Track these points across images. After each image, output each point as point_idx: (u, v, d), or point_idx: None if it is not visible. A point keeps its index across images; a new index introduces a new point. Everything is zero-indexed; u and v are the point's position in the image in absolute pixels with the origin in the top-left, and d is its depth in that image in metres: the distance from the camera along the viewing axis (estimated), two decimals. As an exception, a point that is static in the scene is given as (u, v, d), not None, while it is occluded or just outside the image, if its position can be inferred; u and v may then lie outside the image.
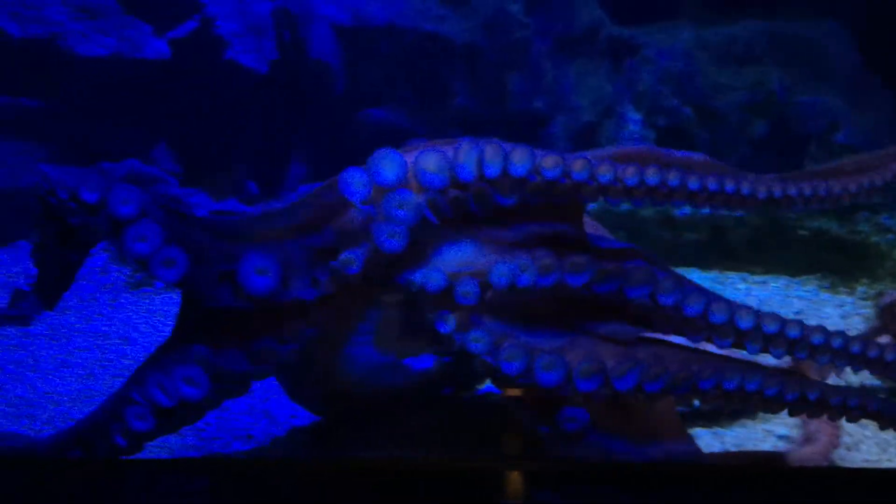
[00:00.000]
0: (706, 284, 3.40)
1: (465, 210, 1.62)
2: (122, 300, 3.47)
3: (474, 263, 1.61)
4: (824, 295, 3.22)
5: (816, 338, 1.70)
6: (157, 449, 2.27)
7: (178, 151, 4.39)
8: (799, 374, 1.78)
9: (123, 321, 3.22)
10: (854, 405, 1.72)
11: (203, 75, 4.29)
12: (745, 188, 1.85)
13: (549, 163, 1.60)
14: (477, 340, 1.58)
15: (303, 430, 2.39)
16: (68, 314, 3.25)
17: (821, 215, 4.18)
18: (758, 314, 1.67)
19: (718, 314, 1.65)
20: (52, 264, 1.79)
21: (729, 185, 1.82)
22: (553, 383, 1.54)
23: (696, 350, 1.72)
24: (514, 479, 1.57)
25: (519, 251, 1.63)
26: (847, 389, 1.81)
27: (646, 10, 5.27)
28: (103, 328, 3.18)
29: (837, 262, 3.49)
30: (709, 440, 2.16)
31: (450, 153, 1.60)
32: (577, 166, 1.61)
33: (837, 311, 3.05)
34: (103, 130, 4.09)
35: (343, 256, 1.58)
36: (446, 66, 4.88)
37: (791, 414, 1.72)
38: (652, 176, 1.66)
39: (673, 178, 1.70)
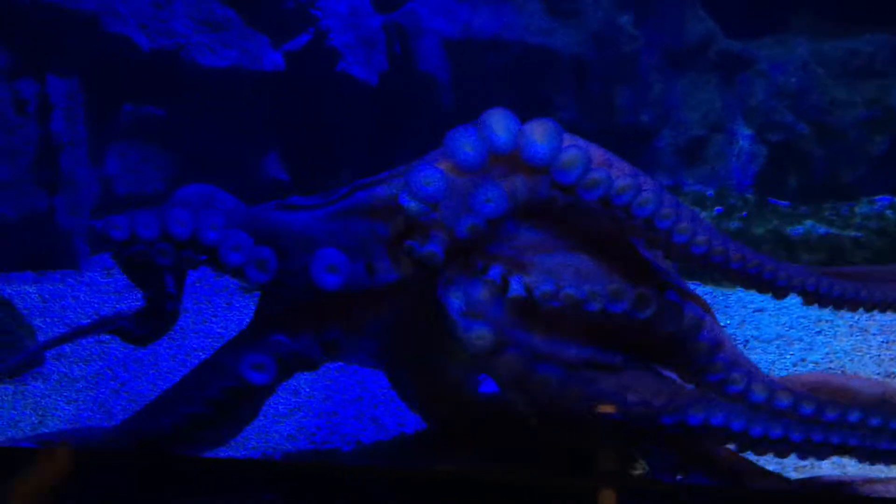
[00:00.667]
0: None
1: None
2: (236, 303, 3.59)
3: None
4: (951, 322, 3.06)
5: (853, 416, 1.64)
6: (271, 452, 2.35)
7: (288, 160, 4.52)
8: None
9: (237, 323, 3.33)
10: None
11: (316, 86, 4.40)
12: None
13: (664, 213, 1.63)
14: None
15: (410, 437, 2.42)
16: (186, 315, 3.39)
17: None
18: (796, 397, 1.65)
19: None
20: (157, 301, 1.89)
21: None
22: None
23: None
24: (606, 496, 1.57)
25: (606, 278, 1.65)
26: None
27: (759, 23, 5.13)
28: (218, 330, 3.30)
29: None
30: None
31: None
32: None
33: (967, 340, 2.90)
34: (221, 139, 4.24)
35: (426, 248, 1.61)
36: (553, 78, 4.87)
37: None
38: None
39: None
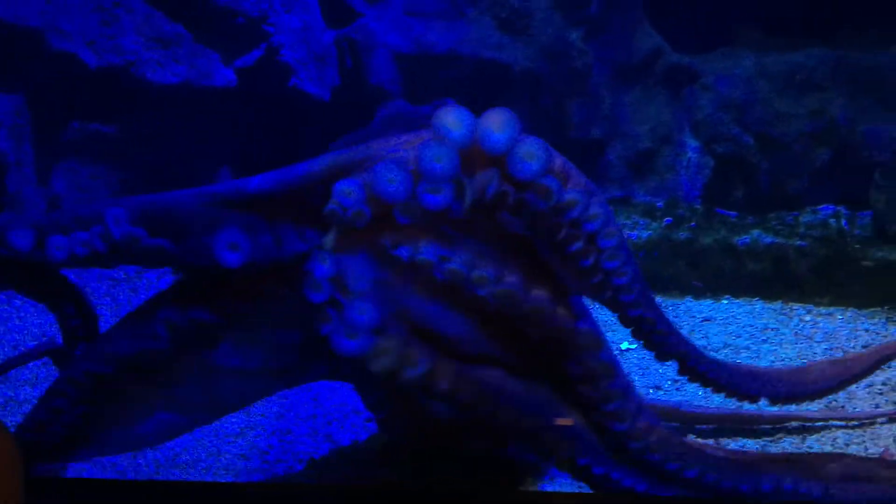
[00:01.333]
0: (769, 315, 3.37)
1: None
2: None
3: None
4: (892, 328, 3.16)
5: None
6: (224, 472, 2.33)
7: (241, 177, 4.49)
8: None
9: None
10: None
11: (268, 102, 4.39)
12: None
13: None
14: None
15: (364, 450, 2.43)
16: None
17: (885, 245, 4.09)
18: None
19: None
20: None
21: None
22: None
23: None
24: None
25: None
26: None
27: (706, 38, 5.24)
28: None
29: (905, 294, 3.42)
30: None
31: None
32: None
33: (907, 345, 2.99)
34: (172, 156, 4.21)
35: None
36: (506, 93, 4.92)
37: None
38: None
39: None
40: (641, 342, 1.81)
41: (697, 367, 1.91)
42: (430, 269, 1.56)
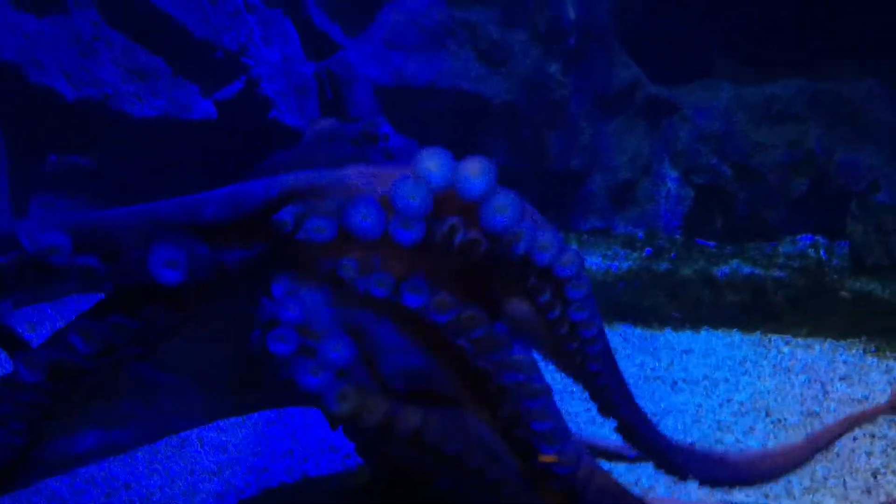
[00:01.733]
0: (748, 347, 3.36)
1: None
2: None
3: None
4: (870, 359, 3.16)
5: None
6: (197, 510, 2.29)
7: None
8: None
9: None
10: None
11: (248, 134, 4.38)
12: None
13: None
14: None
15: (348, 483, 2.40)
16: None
17: (862, 275, 4.12)
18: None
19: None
20: None
21: None
22: None
23: None
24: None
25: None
26: None
27: (684, 69, 5.30)
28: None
29: (882, 325, 3.43)
30: None
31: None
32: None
33: (885, 376, 2.99)
34: (152, 188, 4.18)
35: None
36: (485, 124, 4.94)
37: None
38: None
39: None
40: (592, 398, 1.81)
41: (637, 428, 1.92)
42: (390, 301, 1.55)
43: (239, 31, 4.35)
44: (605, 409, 1.84)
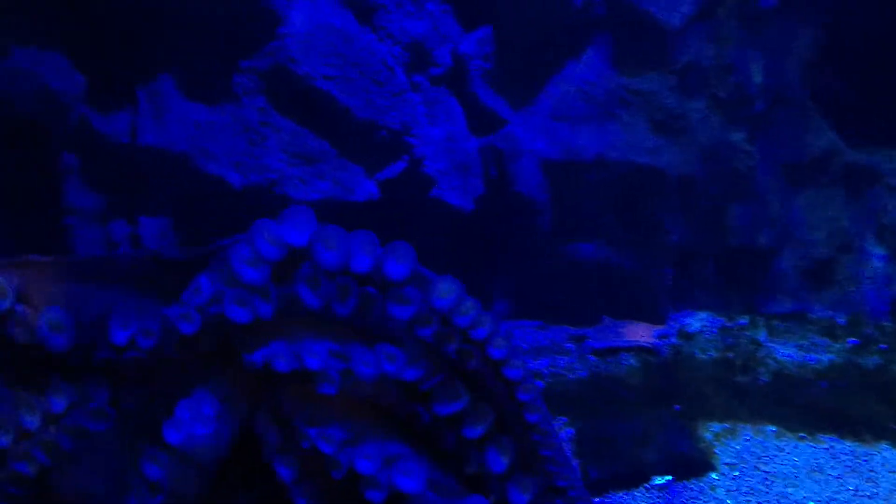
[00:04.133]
0: None
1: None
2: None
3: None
4: None
5: None
6: None
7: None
8: None
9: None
10: None
11: (409, 213, 4.29)
12: None
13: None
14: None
15: None
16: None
17: None
18: None
19: None
20: None
21: None
22: None
23: None
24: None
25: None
26: None
27: (885, 133, 4.78)
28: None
29: None
30: None
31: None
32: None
33: None
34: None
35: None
36: (659, 199, 4.61)
37: None
38: None
39: None
40: None
41: None
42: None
43: (402, 110, 4.29)
44: None
